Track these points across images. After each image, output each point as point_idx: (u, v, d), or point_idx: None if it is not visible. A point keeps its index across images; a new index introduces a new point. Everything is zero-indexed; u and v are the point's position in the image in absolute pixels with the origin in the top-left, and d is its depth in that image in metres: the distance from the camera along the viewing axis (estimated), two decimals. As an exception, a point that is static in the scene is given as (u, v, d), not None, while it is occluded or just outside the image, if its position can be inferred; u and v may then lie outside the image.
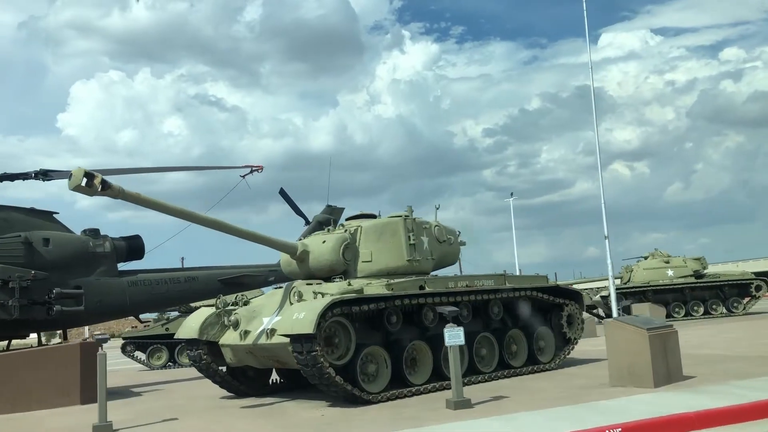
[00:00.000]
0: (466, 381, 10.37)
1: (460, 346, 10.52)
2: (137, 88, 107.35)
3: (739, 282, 28.19)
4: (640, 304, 22.40)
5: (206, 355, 10.69)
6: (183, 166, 21.75)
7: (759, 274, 72.97)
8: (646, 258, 29.71)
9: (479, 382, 10.51)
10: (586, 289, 31.30)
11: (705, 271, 28.92)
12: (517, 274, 23.07)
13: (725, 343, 14.46)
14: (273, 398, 10.57)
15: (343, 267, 10.65)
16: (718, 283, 28.01)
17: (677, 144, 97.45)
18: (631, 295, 27.57)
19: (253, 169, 17.63)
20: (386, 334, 9.95)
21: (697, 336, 17.24)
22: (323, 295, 9.39)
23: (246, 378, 11.21)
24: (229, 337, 10.33)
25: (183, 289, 15.71)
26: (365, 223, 11.12)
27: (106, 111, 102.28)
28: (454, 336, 8.25)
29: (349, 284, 9.85)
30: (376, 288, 9.78)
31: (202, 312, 10.84)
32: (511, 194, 65.81)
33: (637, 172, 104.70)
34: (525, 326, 11.74)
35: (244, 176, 17.42)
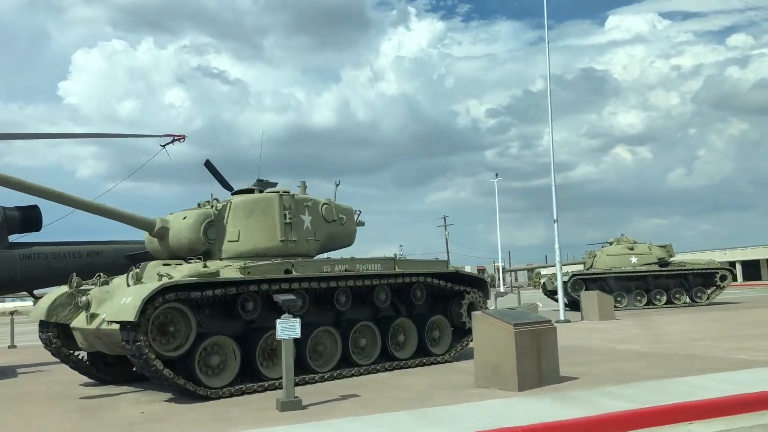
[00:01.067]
0: (336, 375, 9.49)
1: (337, 336, 9.69)
2: (140, 58, 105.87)
3: (704, 271, 27.22)
4: (589, 292, 21.43)
5: (56, 339, 9.77)
6: (90, 133, 20.61)
7: (749, 263, 71.89)
8: (611, 243, 28.74)
9: (351, 375, 9.58)
10: (552, 274, 30.37)
11: (671, 259, 27.96)
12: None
13: (653, 338, 13.53)
14: (126, 388, 9.67)
15: (205, 246, 9.67)
16: (682, 272, 27.04)
17: (681, 129, 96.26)
18: (591, 281, 26.65)
19: (175, 138, 16.66)
20: (244, 323, 9.01)
21: (635, 328, 16.32)
22: (169, 277, 8.41)
23: (105, 364, 10.28)
24: (80, 320, 9.38)
25: (84, 264, 14.73)
26: (236, 198, 10.10)
27: (108, 80, 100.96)
28: (287, 328, 7.27)
29: (205, 266, 8.88)
30: (232, 271, 8.81)
31: (55, 292, 9.88)
32: (496, 175, 65.23)
33: (639, 157, 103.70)
34: (417, 315, 10.79)
35: (164, 145, 16.48)
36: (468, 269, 26.80)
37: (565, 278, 26.70)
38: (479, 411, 6.66)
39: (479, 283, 11.53)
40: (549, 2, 20.04)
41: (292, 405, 7.18)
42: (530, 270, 72.20)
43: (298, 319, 7.36)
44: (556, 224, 20.04)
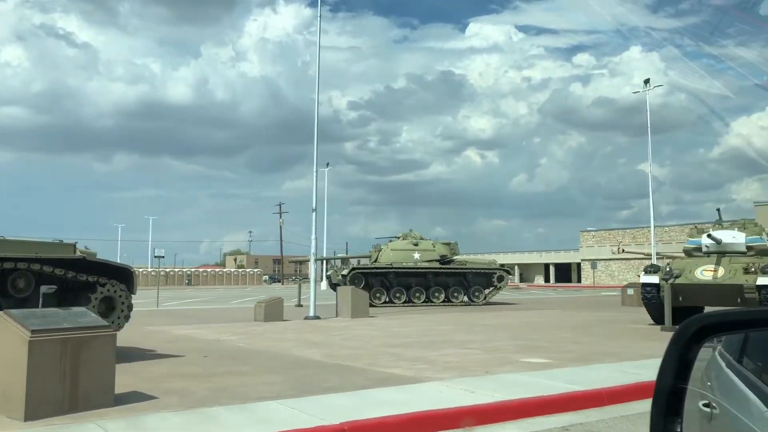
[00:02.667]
0: None
1: None
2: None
3: (482, 271, 27.31)
4: (344, 288, 20.25)
5: None
6: None
7: (561, 266, 75.93)
8: (399, 238, 28.07)
9: None
10: (340, 267, 29.20)
11: (454, 257, 27.82)
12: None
13: (363, 341, 12.28)
14: None
15: None
16: (461, 271, 26.92)
17: (526, 138, 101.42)
18: (372, 276, 25.75)
19: None
20: None
21: (368, 329, 15.14)
22: None
23: None
24: None
25: None
26: None
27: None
28: None
29: None
30: None
31: None
32: (327, 164, 63.99)
33: (487, 161, 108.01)
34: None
35: None
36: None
37: (345, 272, 25.63)
38: None
39: (121, 273, 9.49)
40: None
41: None
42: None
43: None
44: (314, 213, 18.55)
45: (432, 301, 26.05)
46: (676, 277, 15.67)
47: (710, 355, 2.39)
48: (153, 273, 75.00)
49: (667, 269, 15.96)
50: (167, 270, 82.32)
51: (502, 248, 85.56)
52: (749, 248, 16.11)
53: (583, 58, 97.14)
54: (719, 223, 17.47)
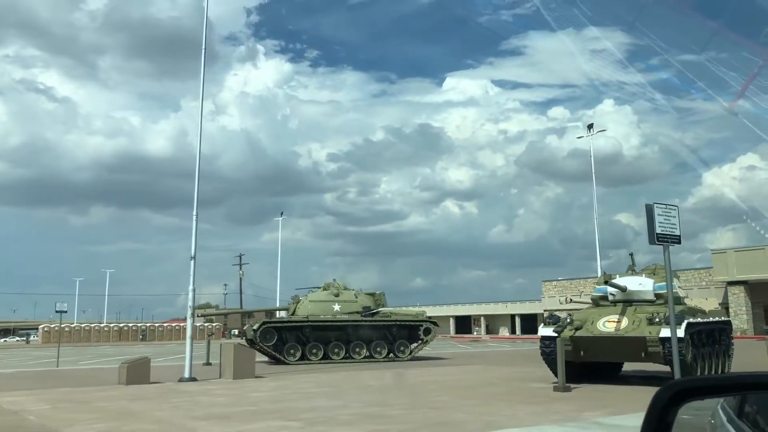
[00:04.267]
0: None
1: None
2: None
3: (408, 323, 25.49)
4: (228, 344, 18.27)
5: None
6: None
7: (526, 316, 74.50)
8: (322, 288, 26.26)
9: None
10: (258, 321, 27.35)
11: (380, 309, 26.03)
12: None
13: (179, 414, 10.41)
14: None
15: None
16: (384, 323, 25.07)
17: (504, 189, 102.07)
18: (287, 330, 23.82)
19: None
20: None
21: (223, 396, 13.25)
22: None
23: None
24: None
25: None
26: None
27: None
28: None
29: None
30: None
31: None
32: (281, 213, 62.60)
33: (466, 211, 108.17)
34: None
35: None
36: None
37: (256, 326, 23.73)
38: None
39: None
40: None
41: None
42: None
43: None
44: (193, 261, 16.82)
45: (353, 357, 24.11)
46: (577, 328, 14.05)
47: (713, 409, 2.45)
48: (90, 328, 71.93)
49: (567, 320, 14.35)
50: (121, 325, 79.26)
51: (479, 299, 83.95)
52: (658, 296, 14.60)
53: (557, 112, 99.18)
54: (632, 269, 16.02)
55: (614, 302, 14.80)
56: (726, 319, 16.52)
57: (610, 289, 14.79)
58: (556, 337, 14.08)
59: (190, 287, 16.67)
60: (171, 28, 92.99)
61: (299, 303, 25.32)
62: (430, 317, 26.88)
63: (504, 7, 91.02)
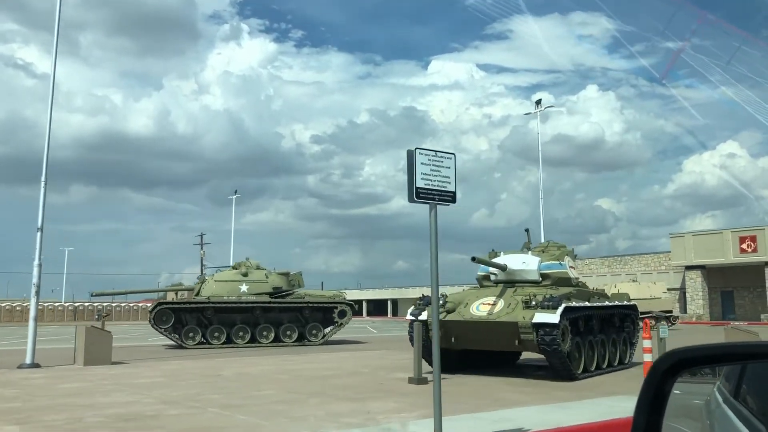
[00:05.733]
0: None
1: None
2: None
3: (321, 305, 23.75)
4: (83, 326, 16.35)
5: None
6: None
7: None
8: (231, 268, 24.44)
9: None
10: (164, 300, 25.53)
11: (295, 290, 24.26)
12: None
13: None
14: None
15: None
16: (295, 305, 23.31)
17: (487, 173, 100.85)
18: (186, 312, 22.00)
19: None
20: None
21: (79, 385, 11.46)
22: None
23: None
24: None
25: None
26: None
27: None
28: None
29: None
30: None
31: None
32: (235, 191, 60.55)
33: None
34: None
35: None
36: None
37: (152, 307, 21.90)
38: None
39: None
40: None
41: None
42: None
43: None
44: (39, 233, 14.90)
45: (259, 341, 22.38)
46: (449, 312, 12.39)
47: (710, 391, 2.44)
48: (42, 307, 69.76)
49: (440, 303, 12.66)
50: (76, 304, 77.05)
51: (458, 281, 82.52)
52: (544, 276, 12.96)
53: (542, 97, 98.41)
54: (527, 246, 14.35)
55: (496, 283, 13.16)
56: (630, 303, 14.92)
57: (492, 269, 13.13)
58: (424, 321, 12.43)
59: (36, 262, 14.78)
60: (154, 5, 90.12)
61: (204, 283, 23.50)
62: (396, 299, 25.19)
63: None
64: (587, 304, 12.35)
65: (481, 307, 12.18)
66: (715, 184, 76.96)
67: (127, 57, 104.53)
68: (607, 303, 13.40)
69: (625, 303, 14.52)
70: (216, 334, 22.01)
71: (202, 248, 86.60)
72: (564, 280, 12.99)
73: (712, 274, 47.41)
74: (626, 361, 13.97)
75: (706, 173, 76.84)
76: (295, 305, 23.24)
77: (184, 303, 22.39)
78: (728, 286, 47.98)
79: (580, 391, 10.35)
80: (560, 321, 11.11)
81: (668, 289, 51.30)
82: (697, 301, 47.10)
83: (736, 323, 28.67)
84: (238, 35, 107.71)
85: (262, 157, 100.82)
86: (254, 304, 22.64)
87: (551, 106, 34.55)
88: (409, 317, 12.79)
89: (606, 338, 13.17)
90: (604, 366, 12.97)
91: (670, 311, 34.05)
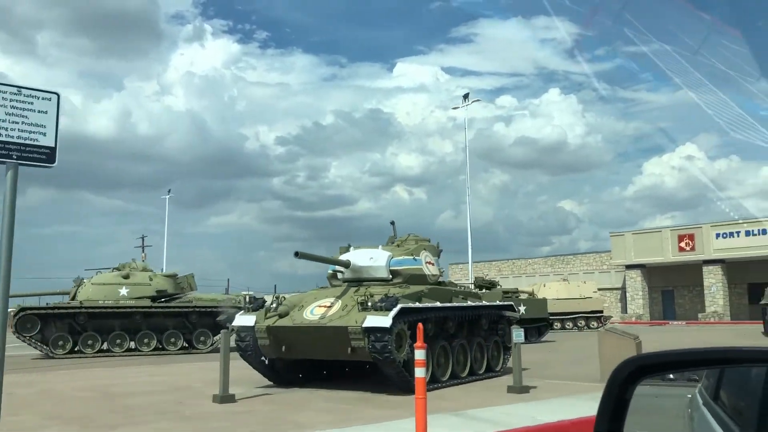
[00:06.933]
0: None
1: None
2: None
3: (211, 311, 21.84)
4: None
5: None
6: None
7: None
8: (112, 270, 22.37)
9: None
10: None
11: (185, 294, 22.33)
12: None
13: None
14: None
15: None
16: (181, 310, 21.38)
17: (452, 176, 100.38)
18: (57, 318, 19.90)
19: None
20: None
21: None
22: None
23: None
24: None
25: None
26: None
27: None
28: None
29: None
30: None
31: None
32: (168, 191, 58.16)
33: (415, 197, 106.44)
34: None
35: None
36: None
37: (15, 312, 19.73)
38: None
39: None
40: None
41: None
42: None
43: None
44: None
45: (140, 350, 20.40)
46: (281, 315, 10.69)
47: (692, 393, 2.47)
48: None
49: (273, 305, 10.97)
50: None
51: None
52: (394, 273, 11.36)
53: (505, 100, 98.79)
54: (391, 240, 12.76)
55: (345, 281, 11.52)
56: (505, 303, 13.40)
57: (338, 267, 11.50)
58: (250, 327, 10.72)
59: None
60: (114, 5, 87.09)
61: (81, 286, 21.40)
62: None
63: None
64: (439, 304, 10.77)
65: (316, 311, 10.52)
66: (675, 185, 77.67)
67: (86, 57, 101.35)
68: (470, 303, 11.85)
69: (498, 303, 12.99)
70: (90, 342, 19.97)
71: (143, 251, 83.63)
72: (418, 278, 11.40)
73: (652, 273, 46.72)
74: (497, 369, 12.44)
75: (666, 175, 77.57)
76: (181, 310, 21.31)
77: (53, 308, 20.27)
78: (669, 285, 47.37)
79: (411, 406, 8.74)
80: (394, 324, 9.51)
81: (610, 289, 50.74)
82: (638, 301, 46.34)
83: (612, 327, 27.68)
84: (201, 36, 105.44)
85: (226, 158, 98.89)
86: (134, 309, 20.64)
87: (478, 100, 33.26)
88: (240, 323, 11.03)
89: (467, 343, 11.62)
90: (463, 375, 11.42)
91: (601, 311, 32.95)
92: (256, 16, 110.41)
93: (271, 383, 11.27)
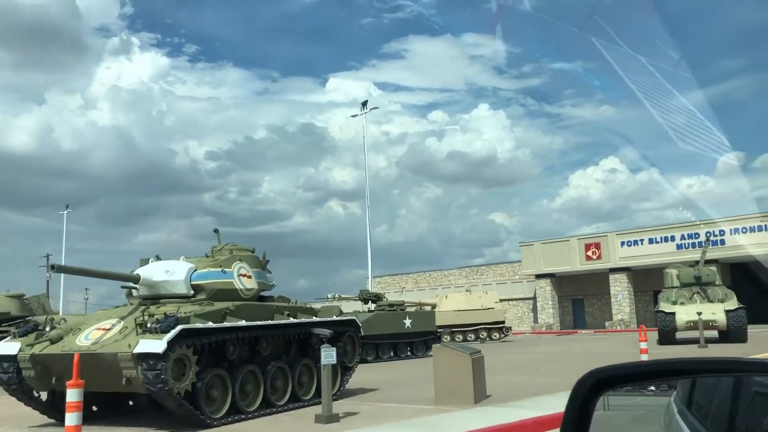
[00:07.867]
0: None
1: None
2: None
3: None
4: None
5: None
6: None
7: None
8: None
9: None
10: None
11: (26, 316, 20.13)
12: None
13: None
14: None
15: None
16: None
17: (386, 190, 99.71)
18: None
19: None
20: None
21: None
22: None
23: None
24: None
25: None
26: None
27: None
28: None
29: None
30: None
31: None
32: (66, 206, 54.70)
33: (349, 212, 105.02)
34: None
35: None
36: None
37: None
38: None
39: None
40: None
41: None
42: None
43: None
44: None
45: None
46: (53, 341, 9.05)
47: (667, 402, 2.48)
48: None
49: (46, 329, 9.32)
50: None
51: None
52: (197, 288, 9.90)
53: (437, 115, 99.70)
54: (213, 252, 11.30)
55: (140, 299, 9.98)
56: (347, 318, 12.11)
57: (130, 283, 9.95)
58: (14, 355, 9.03)
59: None
60: (34, 16, 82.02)
61: None
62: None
63: (386, 11, 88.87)
64: (244, 323, 9.36)
65: (92, 335, 8.93)
66: (599, 197, 79.96)
67: (3, 70, 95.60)
68: (293, 320, 10.49)
69: (336, 318, 11.68)
70: None
71: (48, 270, 78.98)
72: (227, 293, 9.97)
73: (562, 282, 46.83)
74: (335, 392, 11.12)
75: (590, 187, 79.85)
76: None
77: None
78: (578, 294, 47.61)
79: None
80: (170, 349, 8.05)
81: (522, 299, 50.66)
82: (548, 311, 46.31)
83: (445, 343, 27.18)
84: (128, 49, 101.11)
85: (154, 174, 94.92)
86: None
87: (376, 107, 32.37)
88: (2, 351, 9.30)
89: (287, 366, 10.25)
90: (282, 402, 10.05)
91: (502, 322, 32.35)
92: (185, 30, 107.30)
93: (53, 421, 9.58)
